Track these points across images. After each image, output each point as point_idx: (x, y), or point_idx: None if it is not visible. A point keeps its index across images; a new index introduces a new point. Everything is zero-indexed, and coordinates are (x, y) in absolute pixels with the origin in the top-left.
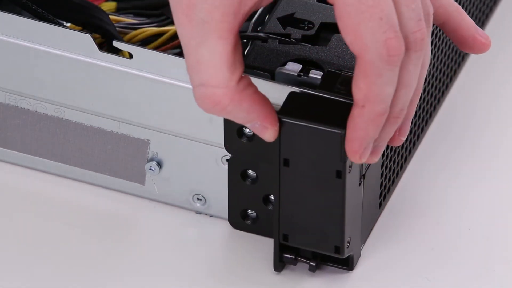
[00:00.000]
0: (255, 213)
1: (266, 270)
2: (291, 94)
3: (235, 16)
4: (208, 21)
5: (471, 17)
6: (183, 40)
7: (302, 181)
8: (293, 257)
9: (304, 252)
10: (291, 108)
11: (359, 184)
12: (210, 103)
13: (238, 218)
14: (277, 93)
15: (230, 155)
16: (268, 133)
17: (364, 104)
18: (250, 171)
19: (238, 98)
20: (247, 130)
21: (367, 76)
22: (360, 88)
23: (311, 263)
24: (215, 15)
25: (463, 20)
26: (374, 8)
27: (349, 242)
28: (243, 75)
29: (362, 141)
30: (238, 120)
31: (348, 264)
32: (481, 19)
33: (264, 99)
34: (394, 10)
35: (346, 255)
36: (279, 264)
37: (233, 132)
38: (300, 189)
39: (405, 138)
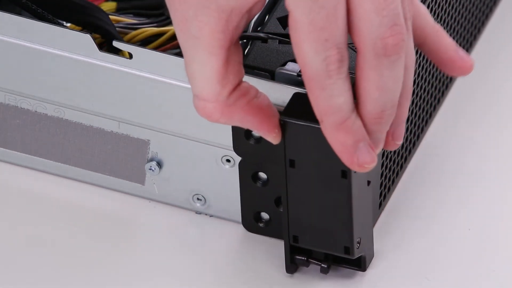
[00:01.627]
0: (268, 216)
1: (266, 270)
2: (295, 95)
3: (224, 33)
4: (199, 37)
5: (471, 18)
6: (182, 50)
7: (308, 182)
8: (305, 259)
9: (316, 253)
10: (295, 108)
11: (368, 184)
12: (203, 114)
13: (252, 221)
14: (277, 93)
15: (230, 155)
16: (269, 138)
17: (320, 118)
18: (261, 173)
19: (228, 112)
20: (254, 132)
21: (311, 91)
22: (311, 102)
23: (322, 265)
24: (205, 32)
25: (442, 41)
26: (323, 31)
27: (359, 243)
28: (243, 81)
29: (344, 151)
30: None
31: (360, 265)
32: (481, 19)
33: (258, 108)
34: (344, 30)
35: (356, 255)
36: (291, 266)
37: (241, 135)
38: (307, 190)
39: (400, 142)
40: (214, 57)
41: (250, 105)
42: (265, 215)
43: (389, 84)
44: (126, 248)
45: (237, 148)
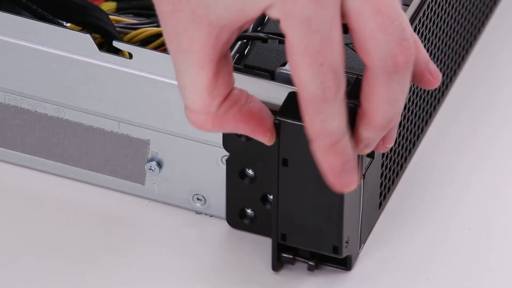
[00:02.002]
0: (253, 212)
1: (265, 270)
2: (290, 94)
3: (214, 48)
4: (189, 51)
5: (471, 18)
6: (172, 62)
7: (301, 181)
8: (291, 256)
9: (302, 251)
10: (290, 108)
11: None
12: (195, 125)
13: (236, 217)
14: (277, 93)
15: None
16: (263, 141)
17: (312, 138)
18: (248, 171)
19: (219, 122)
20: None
21: (307, 114)
22: (305, 123)
23: (309, 262)
24: (195, 47)
25: (418, 54)
26: (319, 55)
27: (347, 242)
28: (234, 88)
29: (331, 172)
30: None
31: (346, 264)
32: (481, 19)
33: (249, 114)
34: (341, 52)
35: (344, 255)
36: (277, 264)
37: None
38: (299, 189)
39: (390, 146)
40: (204, 71)
41: (241, 113)
42: (250, 212)
43: (398, 96)
44: (126, 248)
45: (227, 145)
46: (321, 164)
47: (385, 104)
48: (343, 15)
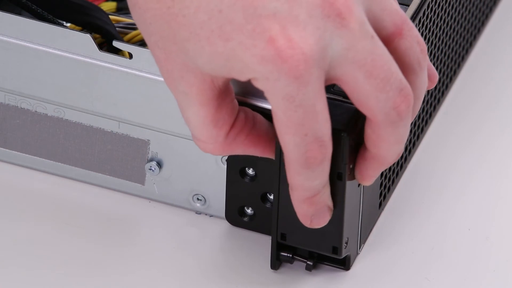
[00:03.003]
0: (252, 211)
1: (264, 269)
2: None
3: (212, 90)
4: (188, 93)
5: (471, 18)
6: (174, 97)
7: None
8: (290, 255)
9: (301, 251)
10: None
11: (358, 185)
12: (205, 152)
13: (235, 215)
14: None
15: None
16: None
17: (291, 187)
18: (248, 170)
19: (229, 149)
20: None
21: (288, 170)
22: (286, 171)
23: (308, 262)
24: (193, 90)
25: None
26: (302, 127)
27: (346, 243)
28: (239, 112)
29: (303, 216)
30: None
31: (344, 264)
32: (481, 19)
33: (257, 137)
34: (326, 122)
35: (343, 255)
36: (276, 263)
37: None
38: None
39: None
40: (205, 107)
41: (249, 138)
42: (249, 210)
43: (405, 134)
44: (125, 248)
45: None
46: (295, 208)
47: (394, 145)
48: (333, 79)
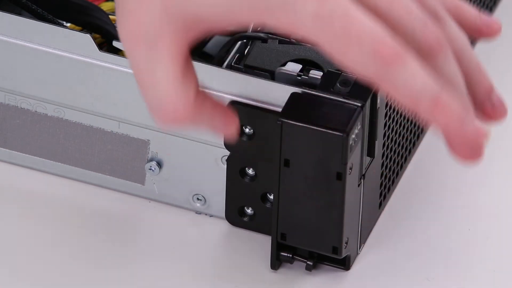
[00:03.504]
0: (252, 211)
1: (264, 269)
2: (292, 95)
3: (183, 41)
4: (157, 46)
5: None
6: (137, 73)
7: (302, 181)
8: (290, 255)
9: (301, 251)
10: (293, 109)
11: (358, 185)
12: (173, 122)
13: (235, 215)
14: (277, 93)
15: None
16: (229, 135)
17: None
18: (248, 169)
19: (198, 113)
20: (247, 129)
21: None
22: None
23: (308, 262)
24: (164, 40)
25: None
26: (352, 38)
27: (346, 243)
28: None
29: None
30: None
31: (344, 263)
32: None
33: (225, 107)
34: (372, 22)
35: (343, 255)
36: (276, 263)
37: None
38: (299, 190)
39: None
40: (175, 61)
41: (218, 104)
42: (249, 210)
43: (454, 69)
44: (126, 248)
45: (228, 144)
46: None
47: None
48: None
